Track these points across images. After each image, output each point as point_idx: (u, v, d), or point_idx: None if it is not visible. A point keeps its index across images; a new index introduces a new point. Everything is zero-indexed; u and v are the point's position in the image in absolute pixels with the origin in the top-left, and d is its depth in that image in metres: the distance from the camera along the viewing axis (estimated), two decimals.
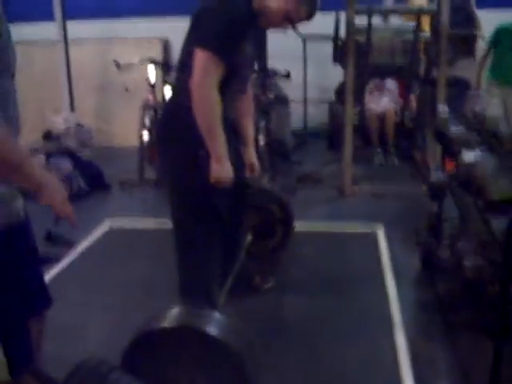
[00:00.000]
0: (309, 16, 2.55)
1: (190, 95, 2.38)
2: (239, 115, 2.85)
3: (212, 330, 1.98)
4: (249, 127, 2.94)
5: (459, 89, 6.54)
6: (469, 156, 2.55)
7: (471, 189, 2.42)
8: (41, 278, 2.00)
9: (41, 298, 1.96)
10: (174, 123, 2.60)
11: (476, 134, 3.11)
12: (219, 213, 2.64)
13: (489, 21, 6.03)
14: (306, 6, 2.50)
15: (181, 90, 2.52)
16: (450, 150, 2.99)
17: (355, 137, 5.64)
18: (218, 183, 2.49)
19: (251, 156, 2.94)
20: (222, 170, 2.47)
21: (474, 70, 6.51)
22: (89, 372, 1.45)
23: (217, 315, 2.10)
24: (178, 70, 2.66)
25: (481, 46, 6.16)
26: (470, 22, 6.39)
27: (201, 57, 2.34)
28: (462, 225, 3.08)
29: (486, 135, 3.03)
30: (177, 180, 2.67)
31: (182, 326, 2.00)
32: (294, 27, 2.62)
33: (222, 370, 1.98)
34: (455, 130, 3.06)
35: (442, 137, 3.30)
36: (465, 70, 6.55)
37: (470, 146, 2.80)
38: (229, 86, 2.51)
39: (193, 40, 2.44)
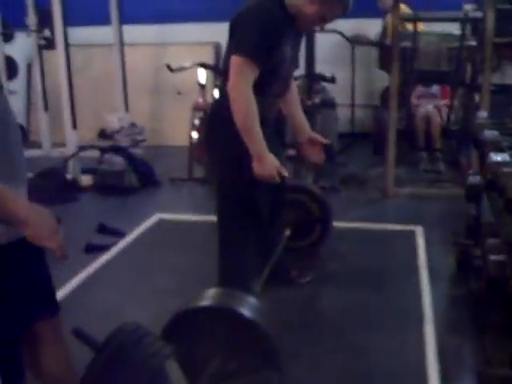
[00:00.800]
0: (344, 13, 2.66)
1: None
2: (289, 110, 3.03)
3: (245, 311, 2.09)
4: (301, 117, 3.09)
5: (508, 96, 6.57)
6: (495, 157, 2.65)
7: (496, 188, 2.53)
8: (43, 287, 1.90)
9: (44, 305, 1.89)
10: (218, 123, 2.76)
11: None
12: (259, 208, 2.82)
13: None
14: (339, 4, 2.61)
15: (223, 92, 2.71)
16: (482, 153, 3.08)
17: (402, 141, 5.75)
18: (262, 179, 2.62)
19: (315, 136, 3.11)
20: (263, 166, 2.59)
21: None
22: (127, 334, 1.64)
23: (250, 298, 2.22)
24: (222, 74, 2.85)
25: None
26: None
27: (236, 62, 2.51)
28: (494, 225, 3.18)
29: None
30: (221, 176, 2.85)
31: (216, 306, 2.15)
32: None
33: (254, 351, 2.10)
34: (488, 134, 3.15)
35: (476, 141, 3.40)
36: None
37: (500, 149, 2.90)
38: (270, 87, 2.66)
39: (230, 46, 2.62)
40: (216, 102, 2.95)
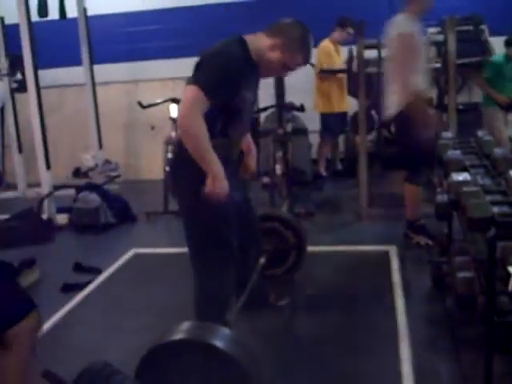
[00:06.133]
0: (305, 61, 2.78)
1: None
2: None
3: (217, 342, 2.13)
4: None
5: (476, 114, 6.70)
6: (456, 177, 2.72)
7: (459, 207, 2.58)
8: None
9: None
10: (180, 160, 2.78)
11: (475, 158, 3.27)
12: (228, 239, 2.84)
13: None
14: (301, 53, 2.72)
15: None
16: (446, 173, 3.15)
17: (374, 163, 5.83)
18: (212, 197, 2.59)
19: (248, 159, 3.14)
20: (216, 185, 2.57)
21: None
22: (95, 373, 1.66)
23: (223, 329, 2.25)
24: None
25: None
26: (484, 49, 6.56)
27: (188, 91, 2.53)
28: (463, 242, 3.24)
29: (483, 158, 3.20)
30: (187, 210, 2.87)
31: (189, 339, 2.18)
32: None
33: (229, 381, 2.14)
34: (451, 154, 3.22)
35: (441, 161, 3.46)
36: (480, 95, 6.71)
37: (463, 168, 2.97)
38: (233, 130, 2.72)
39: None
40: (178, 142, 2.98)
